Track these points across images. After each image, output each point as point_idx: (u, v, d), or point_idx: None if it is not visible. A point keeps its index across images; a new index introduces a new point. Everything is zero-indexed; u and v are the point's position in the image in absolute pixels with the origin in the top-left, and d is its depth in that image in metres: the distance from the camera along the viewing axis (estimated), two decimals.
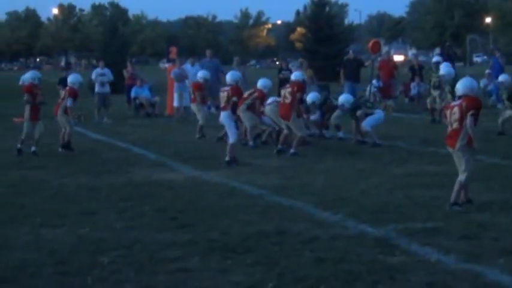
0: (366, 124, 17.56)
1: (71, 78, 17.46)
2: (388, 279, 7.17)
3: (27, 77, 17.43)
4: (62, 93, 17.24)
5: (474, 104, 10.34)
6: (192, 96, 20.50)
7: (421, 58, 42.18)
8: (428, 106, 23.30)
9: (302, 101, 16.88)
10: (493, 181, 12.33)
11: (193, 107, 20.45)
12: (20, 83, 29.37)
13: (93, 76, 27.63)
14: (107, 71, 28.03)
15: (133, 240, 8.78)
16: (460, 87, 10.65)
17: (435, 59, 22.19)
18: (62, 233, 9.30)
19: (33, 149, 16.65)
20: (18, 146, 16.71)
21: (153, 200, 11.40)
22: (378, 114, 18.05)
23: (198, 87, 20.10)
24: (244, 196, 11.64)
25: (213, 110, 23.39)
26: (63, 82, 30.26)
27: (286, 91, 16.48)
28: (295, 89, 16.39)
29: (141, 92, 29.45)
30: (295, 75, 17.22)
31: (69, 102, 16.69)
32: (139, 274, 7.50)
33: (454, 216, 9.79)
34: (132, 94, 29.59)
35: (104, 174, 14.06)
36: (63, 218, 10.19)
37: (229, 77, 15.99)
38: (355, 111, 17.94)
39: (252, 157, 15.83)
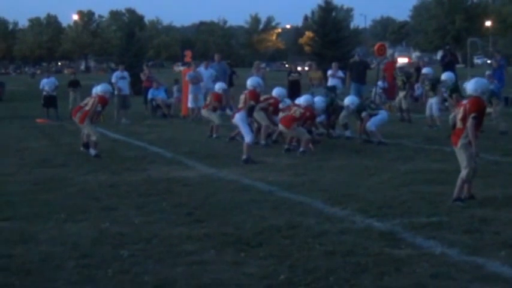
0: (371, 124, 17.56)
1: (102, 88, 16.98)
2: (394, 271, 7.17)
3: (101, 89, 16.85)
4: (88, 100, 16.85)
5: (477, 107, 10.22)
6: (207, 102, 20.58)
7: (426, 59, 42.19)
8: (397, 105, 24.06)
9: (310, 131, 16.89)
10: (494, 177, 12.30)
11: (204, 112, 20.56)
12: (41, 87, 29.65)
13: (113, 79, 27.70)
14: (126, 74, 28.19)
15: (152, 234, 8.80)
16: (468, 86, 10.56)
17: (425, 70, 22.41)
18: (85, 228, 9.33)
19: (82, 149, 17.03)
20: (94, 152, 16.30)
21: (170, 196, 11.43)
22: (382, 114, 18.04)
23: (218, 98, 20.18)
24: (257, 192, 11.64)
25: (228, 111, 23.46)
26: (73, 84, 30.53)
27: (298, 110, 16.50)
28: (307, 115, 16.55)
29: (157, 94, 29.58)
30: (305, 101, 17.19)
31: (99, 108, 16.50)
32: (158, 266, 7.52)
33: (457, 211, 9.77)
34: (149, 96, 29.71)
35: (124, 172, 14.11)
36: (85, 213, 10.22)
37: (249, 82, 15.99)
38: (359, 112, 17.97)
39: (263, 155, 15.84)
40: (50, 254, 8.05)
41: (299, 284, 6.85)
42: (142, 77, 31.51)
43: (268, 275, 7.12)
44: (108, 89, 17.25)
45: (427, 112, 21.45)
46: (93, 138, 16.25)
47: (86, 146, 16.80)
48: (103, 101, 16.59)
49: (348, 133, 18.87)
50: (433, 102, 21.13)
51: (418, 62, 37.01)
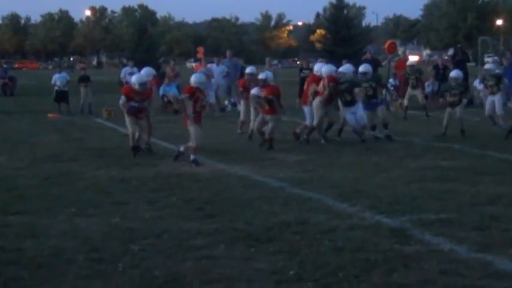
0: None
1: (137, 78, 16.37)
2: (403, 267, 7.17)
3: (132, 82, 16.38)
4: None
5: None
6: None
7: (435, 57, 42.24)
8: (406, 103, 24.12)
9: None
10: (504, 175, 12.29)
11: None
12: (53, 82, 29.67)
13: (122, 74, 27.75)
14: (135, 69, 28.16)
15: (162, 229, 8.83)
16: None
17: (488, 66, 22.29)
18: (95, 222, 9.36)
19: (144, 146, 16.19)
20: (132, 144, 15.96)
21: (181, 191, 11.45)
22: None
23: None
24: (267, 188, 11.65)
25: (238, 107, 23.39)
26: (83, 80, 30.51)
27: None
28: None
29: (169, 90, 29.51)
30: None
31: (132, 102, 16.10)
32: (168, 261, 7.54)
33: (466, 208, 9.77)
34: (161, 92, 29.68)
35: (134, 167, 14.13)
36: (96, 208, 10.26)
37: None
38: None
39: (274, 152, 15.87)
40: (60, 248, 8.08)
41: (308, 279, 6.86)
42: (169, 72, 30.74)
43: (278, 271, 7.14)
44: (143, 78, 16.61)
45: (488, 112, 20.36)
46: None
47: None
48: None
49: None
50: (496, 99, 20.11)
51: (437, 59, 36.86)
